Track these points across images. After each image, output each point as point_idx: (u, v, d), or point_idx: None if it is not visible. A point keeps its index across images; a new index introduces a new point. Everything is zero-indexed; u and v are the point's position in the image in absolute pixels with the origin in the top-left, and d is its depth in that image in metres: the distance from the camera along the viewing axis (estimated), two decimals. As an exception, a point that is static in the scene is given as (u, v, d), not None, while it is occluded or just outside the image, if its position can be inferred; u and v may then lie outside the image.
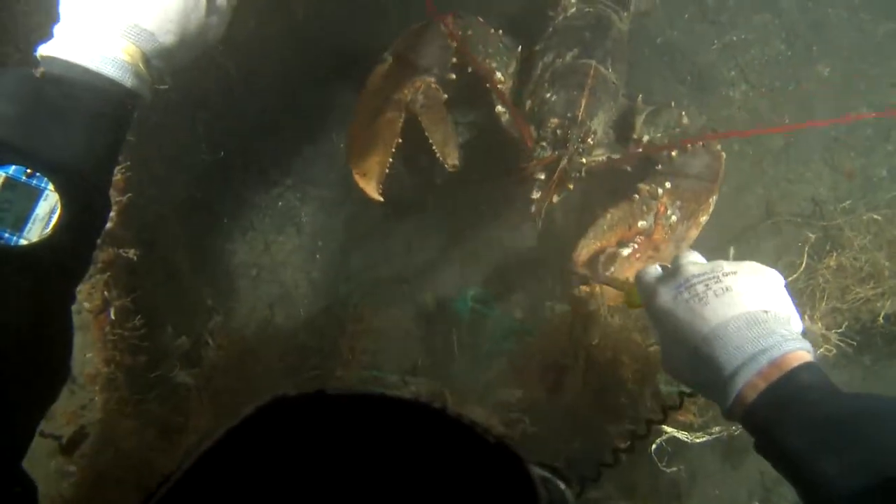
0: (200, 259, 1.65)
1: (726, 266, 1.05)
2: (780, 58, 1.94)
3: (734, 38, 1.94)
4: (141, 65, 0.95)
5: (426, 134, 1.47)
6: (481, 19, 1.63)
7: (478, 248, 1.78)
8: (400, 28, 1.60)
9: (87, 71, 0.91)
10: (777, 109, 1.90)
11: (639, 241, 1.51)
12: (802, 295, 1.58)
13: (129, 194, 1.29)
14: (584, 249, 1.48)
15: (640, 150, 1.59)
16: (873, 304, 1.61)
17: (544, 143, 1.51)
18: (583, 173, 1.54)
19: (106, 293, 1.36)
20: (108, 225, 1.26)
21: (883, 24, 1.95)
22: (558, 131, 1.50)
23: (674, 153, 1.56)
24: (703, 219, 1.58)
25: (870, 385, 1.73)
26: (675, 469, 1.51)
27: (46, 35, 0.94)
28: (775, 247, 1.76)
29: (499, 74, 1.59)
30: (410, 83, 1.50)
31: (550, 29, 1.72)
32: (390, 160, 1.46)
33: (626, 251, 1.49)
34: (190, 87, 1.06)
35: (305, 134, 1.69)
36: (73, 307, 0.96)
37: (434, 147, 1.46)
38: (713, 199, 1.58)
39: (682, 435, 1.45)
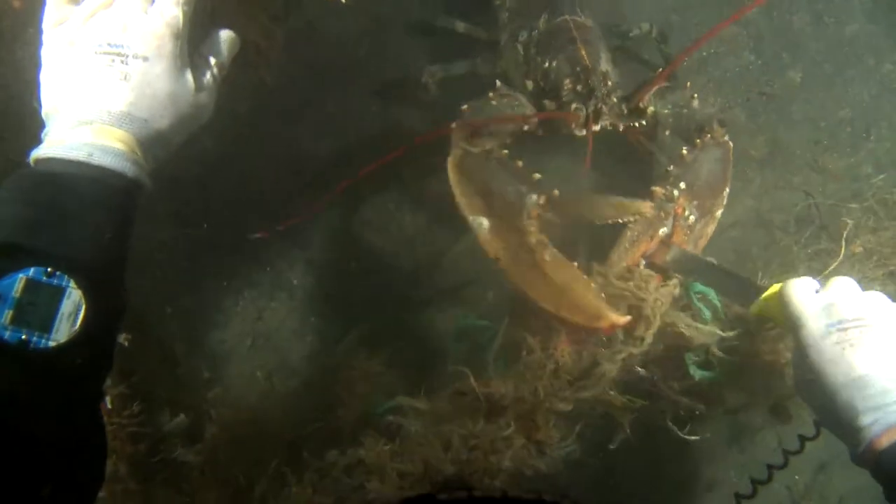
0: (194, 335, 1.63)
1: (884, 312, 1.06)
2: (752, 68, 1.94)
3: (704, 53, 1.94)
4: (138, 152, 0.94)
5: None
6: (467, 107, 1.47)
7: (479, 288, 1.75)
8: (371, 85, 1.57)
9: (84, 165, 0.89)
10: (755, 119, 1.90)
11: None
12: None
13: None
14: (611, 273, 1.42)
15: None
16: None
17: (574, 105, 1.45)
18: (625, 111, 1.50)
19: (101, 382, 1.34)
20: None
21: (849, 25, 1.96)
22: (578, 87, 1.45)
23: (684, 151, 1.49)
24: (719, 213, 1.53)
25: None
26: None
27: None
28: (775, 250, 1.75)
29: (525, 110, 1.52)
30: (525, 218, 1.35)
31: (506, 14, 1.70)
32: (590, 285, 1.31)
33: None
34: (166, 164, 1.05)
35: (287, 200, 1.68)
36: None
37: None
38: (726, 192, 1.54)
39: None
